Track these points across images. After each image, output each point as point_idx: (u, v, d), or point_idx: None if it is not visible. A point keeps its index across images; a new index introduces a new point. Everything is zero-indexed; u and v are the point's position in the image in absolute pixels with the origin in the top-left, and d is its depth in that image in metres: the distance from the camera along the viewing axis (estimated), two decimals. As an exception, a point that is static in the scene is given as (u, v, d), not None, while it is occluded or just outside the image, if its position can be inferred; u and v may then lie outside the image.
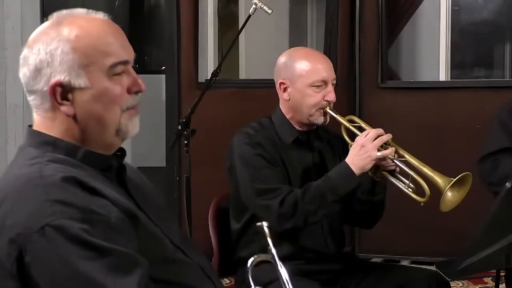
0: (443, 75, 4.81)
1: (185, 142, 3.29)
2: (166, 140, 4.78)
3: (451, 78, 4.87)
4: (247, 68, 5.60)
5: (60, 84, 1.50)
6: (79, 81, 1.50)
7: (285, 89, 2.63)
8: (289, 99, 2.62)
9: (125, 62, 1.55)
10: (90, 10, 1.57)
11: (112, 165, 1.59)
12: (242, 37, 5.29)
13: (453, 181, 2.41)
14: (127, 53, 1.56)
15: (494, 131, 2.94)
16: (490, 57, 5.63)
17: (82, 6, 1.59)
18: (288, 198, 2.44)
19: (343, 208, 2.60)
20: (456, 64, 5.15)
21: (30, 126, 1.59)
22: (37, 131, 1.55)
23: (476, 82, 5.08)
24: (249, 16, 3.40)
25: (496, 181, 2.81)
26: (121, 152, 1.66)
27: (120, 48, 1.54)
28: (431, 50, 5.04)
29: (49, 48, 1.50)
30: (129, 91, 1.55)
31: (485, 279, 4.17)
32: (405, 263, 4.58)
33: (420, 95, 4.66)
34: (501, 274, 3.07)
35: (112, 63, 1.52)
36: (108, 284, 1.35)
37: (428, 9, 5.14)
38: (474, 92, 4.54)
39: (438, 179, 2.45)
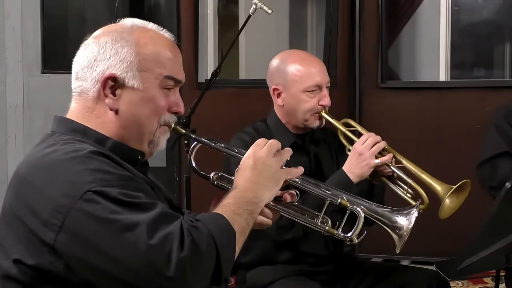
0: (443, 75, 4.81)
1: (185, 142, 3.29)
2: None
3: (451, 78, 4.87)
4: (247, 68, 5.60)
5: (113, 78, 1.58)
6: (133, 82, 1.59)
7: (279, 95, 2.59)
8: (284, 105, 2.58)
9: (177, 81, 1.65)
10: (161, 27, 1.67)
11: (138, 158, 1.65)
12: (242, 37, 5.29)
13: (452, 190, 2.41)
14: (182, 74, 1.67)
15: (491, 136, 2.94)
16: (490, 57, 5.62)
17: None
18: None
19: None
20: (456, 64, 5.14)
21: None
22: (68, 118, 1.62)
23: (476, 82, 5.07)
24: (249, 16, 3.40)
25: (495, 185, 2.82)
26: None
27: (177, 67, 1.66)
28: (431, 50, 5.04)
29: (116, 44, 1.59)
30: (169, 109, 1.65)
31: (485, 279, 4.17)
32: (405, 263, 4.58)
33: (420, 95, 4.66)
34: (501, 274, 3.07)
35: (167, 74, 1.62)
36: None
37: (428, 9, 5.14)
38: (474, 92, 4.54)
39: (437, 186, 2.44)
